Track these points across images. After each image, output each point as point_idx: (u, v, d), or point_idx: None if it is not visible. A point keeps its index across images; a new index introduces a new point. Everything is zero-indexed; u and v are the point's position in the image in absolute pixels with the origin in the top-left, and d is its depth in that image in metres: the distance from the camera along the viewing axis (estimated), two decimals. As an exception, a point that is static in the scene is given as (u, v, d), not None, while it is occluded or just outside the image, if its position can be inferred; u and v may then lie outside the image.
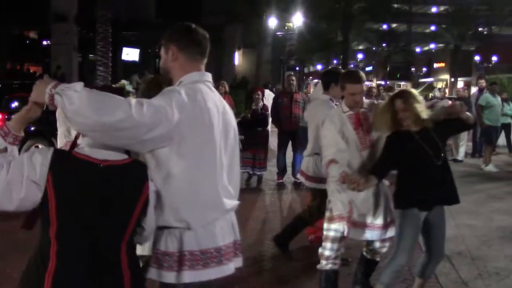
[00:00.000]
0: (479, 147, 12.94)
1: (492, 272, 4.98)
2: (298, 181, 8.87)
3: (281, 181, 9.25)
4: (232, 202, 2.43)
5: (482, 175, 10.57)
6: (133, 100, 2.02)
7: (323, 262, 4.06)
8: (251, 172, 9.00)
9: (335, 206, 3.99)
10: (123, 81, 12.92)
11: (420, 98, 3.73)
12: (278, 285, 4.70)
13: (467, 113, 3.75)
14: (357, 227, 3.95)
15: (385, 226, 4.00)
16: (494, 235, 6.20)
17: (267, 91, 16.35)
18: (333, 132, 3.96)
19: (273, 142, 9.78)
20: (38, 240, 1.99)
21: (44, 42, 32.68)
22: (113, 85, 10.99)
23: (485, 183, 9.77)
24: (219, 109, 2.38)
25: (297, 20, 30.38)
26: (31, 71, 33.80)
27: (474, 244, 5.83)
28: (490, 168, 11.06)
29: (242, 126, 8.14)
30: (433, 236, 3.86)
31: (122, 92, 9.29)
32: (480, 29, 43.38)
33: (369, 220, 3.96)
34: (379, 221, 3.97)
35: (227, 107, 2.51)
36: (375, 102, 4.22)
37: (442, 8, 49.87)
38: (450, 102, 4.63)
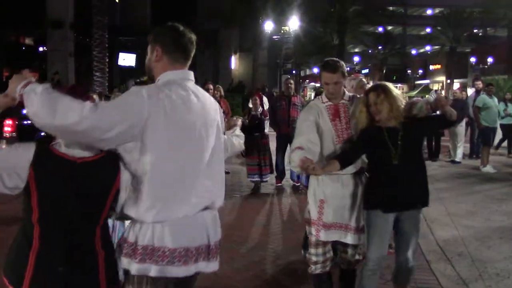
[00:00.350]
0: (476, 148, 12.97)
1: (492, 273, 4.98)
2: (297, 184, 8.91)
3: (279, 184, 9.24)
4: (205, 202, 2.42)
5: (480, 176, 10.58)
6: (88, 104, 2.12)
7: (312, 267, 3.90)
8: (259, 179, 8.78)
9: (311, 209, 3.86)
10: (146, 77, 12.85)
11: (396, 92, 3.56)
12: (279, 289, 4.69)
13: (451, 108, 3.60)
14: (330, 228, 3.75)
15: (361, 230, 3.76)
16: (493, 236, 6.20)
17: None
18: (307, 122, 3.78)
19: (272, 145, 9.78)
20: (22, 225, 2.24)
21: (40, 48, 32.65)
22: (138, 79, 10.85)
23: (483, 184, 9.77)
24: (196, 106, 2.40)
25: (293, 23, 30.46)
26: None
27: (474, 245, 5.83)
28: (488, 169, 11.08)
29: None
30: (399, 242, 3.70)
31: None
32: (475, 30, 43.54)
33: (342, 220, 3.74)
34: (353, 223, 3.74)
35: (210, 105, 2.52)
36: (358, 95, 4.01)
37: (437, 10, 50.16)
38: (433, 97, 4.48)
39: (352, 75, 5.21)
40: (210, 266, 2.47)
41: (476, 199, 8.37)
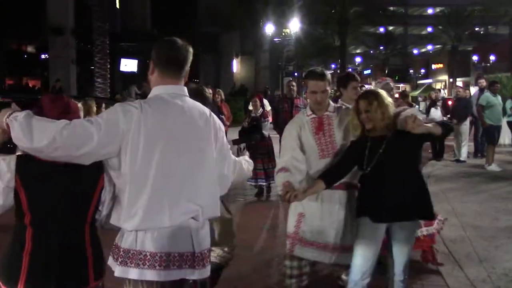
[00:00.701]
0: (481, 147, 12.89)
1: (500, 273, 4.91)
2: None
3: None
4: (190, 213, 2.45)
5: (486, 175, 10.50)
6: (62, 125, 2.24)
7: (287, 281, 3.78)
8: (264, 183, 8.54)
9: (289, 221, 3.78)
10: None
11: (389, 100, 3.39)
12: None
13: (428, 125, 3.34)
14: (306, 245, 3.61)
15: (342, 249, 3.58)
16: (501, 236, 6.13)
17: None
18: (289, 138, 3.69)
19: (276, 148, 9.71)
20: (14, 228, 2.36)
21: (43, 56, 32.67)
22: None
23: (489, 183, 9.70)
24: (179, 120, 2.46)
25: (294, 26, 30.41)
26: (30, 85, 33.83)
27: (481, 245, 5.76)
28: (493, 167, 11.00)
29: (240, 135, 8.01)
30: (392, 254, 3.55)
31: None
32: (476, 29, 43.45)
33: (321, 240, 3.58)
34: (338, 241, 3.58)
35: (201, 119, 2.56)
36: (344, 106, 3.87)
37: (438, 9, 50.10)
38: (413, 111, 4.34)
39: (379, 79, 5.11)
40: (196, 274, 2.49)
41: (482, 198, 8.30)
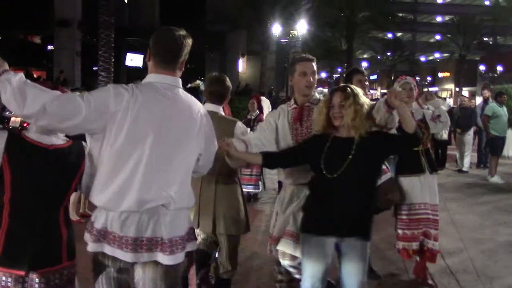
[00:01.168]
0: (484, 157, 12.74)
1: (499, 289, 4.77)
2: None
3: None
4: (159, 200, 2.47)
5: (488, 187, 10.36)
6: (54, 95, 2.34)
7: (277, 285, 3.73)
8: (251, 190, 8.08)
9: (270, 224, 3.73)
10: (198, 81, 12.72)
11: (364, 100, 3.11)
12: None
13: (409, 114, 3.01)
14: (278, 240, 3.52)
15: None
16: (500, 250, 5.99)
17: (262, 98, 15.92)
18: (265, 123, 3.65)
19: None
20: None
21: (49, 47, 32.71)
22: (189, 84, 10.84)
23: (491, 194, 9.55)
24: (166, 110, 2.50)
25: (301, 27, 30.23)
26: (34, 76, 33.88)
27: (480, 259, 5.62)
28: (496, 179, 10.85)
29: None
30: (341, 275, 3.18)
31: (197, 92, 9.99)
32: (485, 38, 43.23)
33: (292, 229, 3.44)
34: (292, 228, 3.44)
35: (191, 112, 2.60)
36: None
37: (447, 17, 49.89)
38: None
39: (399, 78, 4.97)
40: (166, 259, 2.50)
41: (483, 210, 8.15)
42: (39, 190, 2.41)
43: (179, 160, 2.56)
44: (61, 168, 2.47)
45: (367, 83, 4.94)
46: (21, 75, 2.34)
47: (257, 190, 8.17)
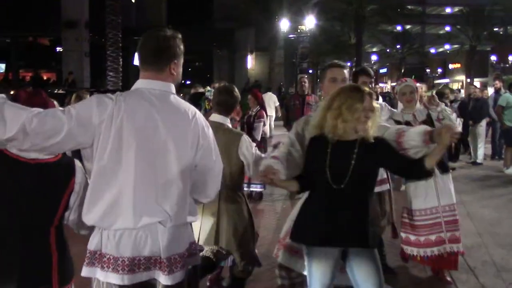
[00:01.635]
0: (499, 149, 12.52)
1: (520, 284, 4.62)
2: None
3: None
4: (155, 217, 2.30)
5: (504, 179, 10.15)
6: (33, 112, 2.15)
7: None
8: (247, 189, 7.80)
9: (284, 227, 3.59)
10: (208, 88, 12.64)
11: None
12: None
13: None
14: (292, 253, 3.38)
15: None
16: (520, 244, 5.82)
17: (268, 94, 15.62)
18: (293, 131, 3.47)
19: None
20: None
21: (58, 49, 32.82)
22: (199, 91, 10.61)
23: (507, 187, 9.35)
24: (156, 116, 2.32)
25: (310, 22, 30.02)
26: (44, 78, 34.03)
27: (499, 253, 5.46)
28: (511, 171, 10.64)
29: None
30: (355, 280, 2.99)
31: (200, 97, 9.83)
32: (495, 29, 42.72)
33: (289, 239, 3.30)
34: None
35: (182, 119, 2.39)
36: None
37: (456, 8, 49.34)
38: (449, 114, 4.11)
39: (399, 81, 4.88)
40: (164, 279, 2.34)
41: (499, 203, 7.97)
42: (21, 208, 2.25)
43: (172, 172, 2.35)
44: (46, 184, 2.31)
45: (372, 85, 4.90)
46: (2, 96, 2.19)
47: (263, 189, 7.99)
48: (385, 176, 4.48)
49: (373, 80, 5.00)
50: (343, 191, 2.85)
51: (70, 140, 2.21)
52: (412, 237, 4.49)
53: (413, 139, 2.88)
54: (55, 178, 2.35)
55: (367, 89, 2.95)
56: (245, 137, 3.80)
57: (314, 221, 2.95)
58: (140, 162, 2.28)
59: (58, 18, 25.62)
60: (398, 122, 4.32)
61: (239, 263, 3.94)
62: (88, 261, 2.33)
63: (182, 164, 2.37)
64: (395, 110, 5.27)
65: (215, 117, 3.87)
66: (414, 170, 2.83)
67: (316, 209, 2.97)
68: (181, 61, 2.48)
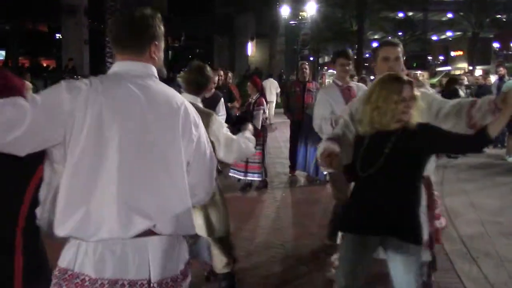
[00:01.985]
0: (501, 136, 12.40)
1: (523, 275, 4.53)
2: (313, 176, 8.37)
3: (293, 174, 8.83)
4: (141, 223, 1.86)
5: (506, 167, 10.05)
6: None
7: (333, 270, 3.59)
8: (242, 178, 7.70)
9: None
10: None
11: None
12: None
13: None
14: None
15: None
16: (523, 233, 5.73)
17: (270, 80, 15.38)
18: (346, 115, 3.36)
19: (286, 133, 9.39)
20: None
21: (57, 36, 32.64)
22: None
23: (509, 175, 9.24)
24: (138, 104, 1.93)
25: (311, 9, 29.76)
26: (44, 65, 33.87)
27: (502, 243, 5.37)
28: (514, 159, 10.54)
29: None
30: (391, 273, 2.92)
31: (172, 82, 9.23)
32: (498, 16, 42.38)
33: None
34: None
35: (167, 103, 2.00)
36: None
37: (459, -5, 48.93)
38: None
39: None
40: None
41: (502, 191, 7.87)
42: None
43: (162, 170, 1.94)
44: (5, 176, 1.94)
45: (350, 67, 5.00)
46: None
47: (260, 178, 7.82)
48: None
49: (351, 62, 5.04)
50: (374, 180, 2.79)
51: (35, 134, 1.79)
52: None
53: (483, 108, 2.85)
54: (16, 169, 1.93)
55: (407, 77, 2.84)
56: (216, 117, 3.61)
57: (356, 210, 2.93)
58: (125, 157, 1.87)
59: (58, 4, 25.42)
60: None
61: (218, 255, 3.88)
62: (56, 281, 1.87)
63: (175, 160, 1.98)
64: None
65: (186, 96, 3.69)
66: (476, 141, 2.69)
67: (358, 199, 2.94)
68: (162, 44, 2.12)
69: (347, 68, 4.92)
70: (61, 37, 28.00)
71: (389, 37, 47.04)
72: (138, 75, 2.00)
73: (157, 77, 2.09)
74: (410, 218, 2.80)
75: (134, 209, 1.86)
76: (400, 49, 3.35)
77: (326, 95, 5.00)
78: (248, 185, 7.85)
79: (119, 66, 2.03)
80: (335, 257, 3.54)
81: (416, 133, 2.73)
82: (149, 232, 1.89)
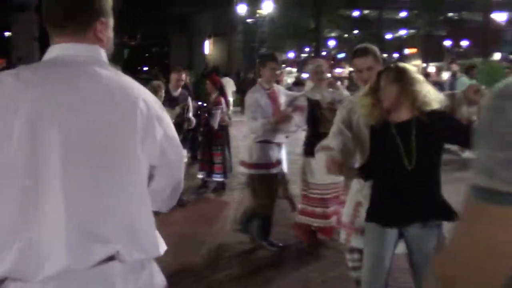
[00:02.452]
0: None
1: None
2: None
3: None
4: (102, 250, 1.48)
5: (461, 162, 10.19)
6: None
7: (352, 273, 3.56)
8: (206, 179, 7.69)
9: (345, 211, 3.49)
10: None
11: (419, 77, 2.87)
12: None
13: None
14: (363, 234, 3.30)
15: None
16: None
17: (226, 79, 15.23)
18: (339, 121, 3.47)
19: (244, 132, 9.24)
20: None
21: (6, 34, 31.65)
22: None
23: (464, 170, 9.29)
24: (80, 96, 1.51)
25: (268, 7, 29.78)
26: (-6, 64, 32.77)
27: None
28: (468, 154, 10.71)
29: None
30: (412, 265, 2.97)
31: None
32: (450, 14, 43.56)
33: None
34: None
35: (121, 94, 1.57)
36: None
37: (413, -7, 50.01)
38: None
39: (311, 60, 5.19)
40: None
41: (458, 187, 7.88)
42: None
43: (118, 181, 1.54)
44: None
45: (278, 71, 5.24)
46: None
47: (224, 179, 7.75)
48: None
49: (278, 65, 5.18)
50: (413, 171, 2.81)
51: None
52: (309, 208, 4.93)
53: (459, 107, 3.06)
54: None
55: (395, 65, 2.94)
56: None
57: (376, 199, 2.97)
58: (70, 169, 1.46)
59: (5, 1, 24.65)
60: (309, 100, 4.79)
61: None
62: None
63: (133, 166, 1.57)
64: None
65: None
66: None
67: (388, 190, 2.92)
68: (111, 22, 1.69)
69: (276, 72, 5.05)
70: (10, 35, 27.19)
71: (346, 35, 47.81)
72: (83, 60, 1.57)
73: (107, 62, 1.65)
74: (440, 199, 2.91)
75: (89, 232, 1.47)
76: (371, 57, 3.37)
77: (255, 96, 4.92)
78: (204, 185, 7.74)
79: (57, 50, 1.59)
80: (349, 258, 3.52)
81: (432, 122, 2.78)
82: (112, 257, 1.51)
